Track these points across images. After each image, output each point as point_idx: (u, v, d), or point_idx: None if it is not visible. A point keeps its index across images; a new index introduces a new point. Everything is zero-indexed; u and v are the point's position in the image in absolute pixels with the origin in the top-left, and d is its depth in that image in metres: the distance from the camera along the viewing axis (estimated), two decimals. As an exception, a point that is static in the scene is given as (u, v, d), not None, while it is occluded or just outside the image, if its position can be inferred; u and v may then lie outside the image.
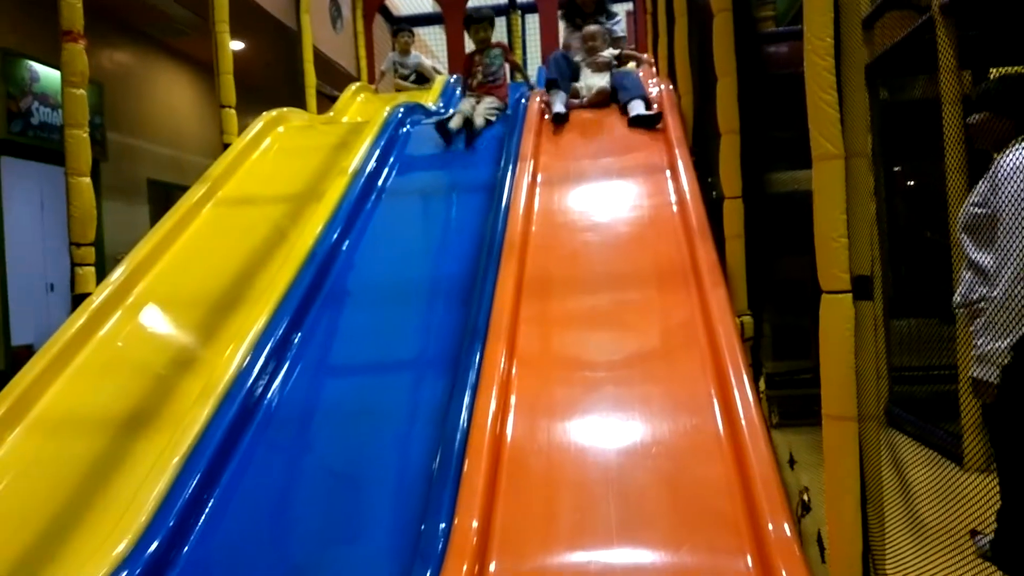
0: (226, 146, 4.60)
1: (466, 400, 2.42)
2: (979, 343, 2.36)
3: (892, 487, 3.71)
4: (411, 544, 1.92)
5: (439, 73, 7.16)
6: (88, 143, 3.31)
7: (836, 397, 1.59)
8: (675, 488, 2.06)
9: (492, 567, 1.82)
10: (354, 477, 2.32)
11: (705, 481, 2.05)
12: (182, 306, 3.34)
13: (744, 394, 2.26)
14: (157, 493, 2.22)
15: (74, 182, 3.24)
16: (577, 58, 4.86)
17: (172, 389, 2.88)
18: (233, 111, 4.74)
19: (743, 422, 2.15)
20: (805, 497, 2.06)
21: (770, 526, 1.77)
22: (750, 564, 1.77)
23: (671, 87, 4.44)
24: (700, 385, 2.42)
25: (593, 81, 4.58)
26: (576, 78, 4.75)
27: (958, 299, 2.57)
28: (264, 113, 4.90)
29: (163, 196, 7.22)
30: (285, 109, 5.12)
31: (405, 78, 6.75)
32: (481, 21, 4.84)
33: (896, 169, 6.31)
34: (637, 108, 4.16)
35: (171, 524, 2.07)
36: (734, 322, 2.64)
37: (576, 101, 4.57)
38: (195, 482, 2.28)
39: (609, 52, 4.75)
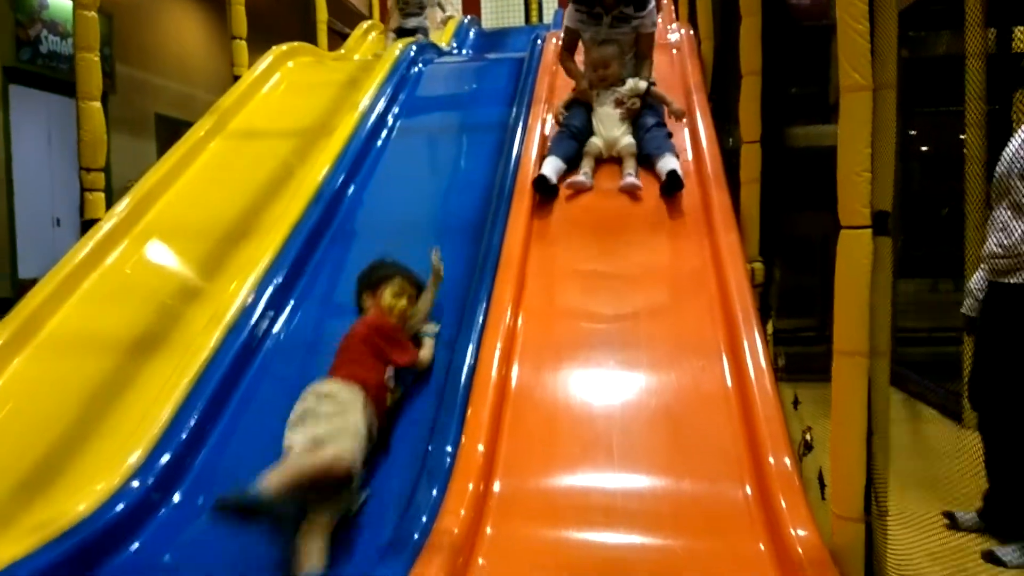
0: (236, 78, 4.55)
1: (474, 335, 2.43)
2: None
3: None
4: (417, 464, 1.94)
5: (445, 11, 6.90)
6: (99, 67, 3.26)
7: (849, 333, 1.59)
8: (678, 423, 2.08)
9: (496, 487, 1.85)
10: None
11: (709, 417, 2.07)
12: (190, 236, 3.32)
13: (751, 336, 2.27)
14: (169, 409, 2.25)
15: (84, 106, 3.20)
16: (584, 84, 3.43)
17: (180, 317, 2.88)
18: (244, 43, 4.67)
19: (749, 362, 2.16)
20: (808, 437, 2.08)
21: (771, 459, 1.80)
22: (749, 493, 1.80)
23: (691, 32, 4.35)
24: (708, 327, 2.42)
25: (615, 133, 3.23)
26: (588, 130, 3.31)
27: (998, 249, 2.49)
28: (274, 47, 4.83)
29: (170, 131, 7.15)
30: (296, 44, 5.03)
31: (408, 15, 6.43)
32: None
33: (911, 133, 6.25)
34: (673, 163, 3.05)
35: (184, 437, 2.09)
36: (745, 267, 2.63)
37: (582, 179, 3.11)
38: (206, 402, 2.31)
39: (631, 85, 3.31)
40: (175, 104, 7.83)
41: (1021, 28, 4.44)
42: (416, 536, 1.66)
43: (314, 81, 4.68)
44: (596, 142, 3.24)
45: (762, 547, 1.69)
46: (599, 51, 3.38)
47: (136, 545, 1.86)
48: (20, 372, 2.65)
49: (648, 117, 3.27)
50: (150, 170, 3.63)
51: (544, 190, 3.05)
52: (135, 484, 1.93)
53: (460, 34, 6.11)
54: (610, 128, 3.25)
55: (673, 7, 5.40)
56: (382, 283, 2.46)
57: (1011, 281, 2.42)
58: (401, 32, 6.01)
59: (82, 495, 1.89)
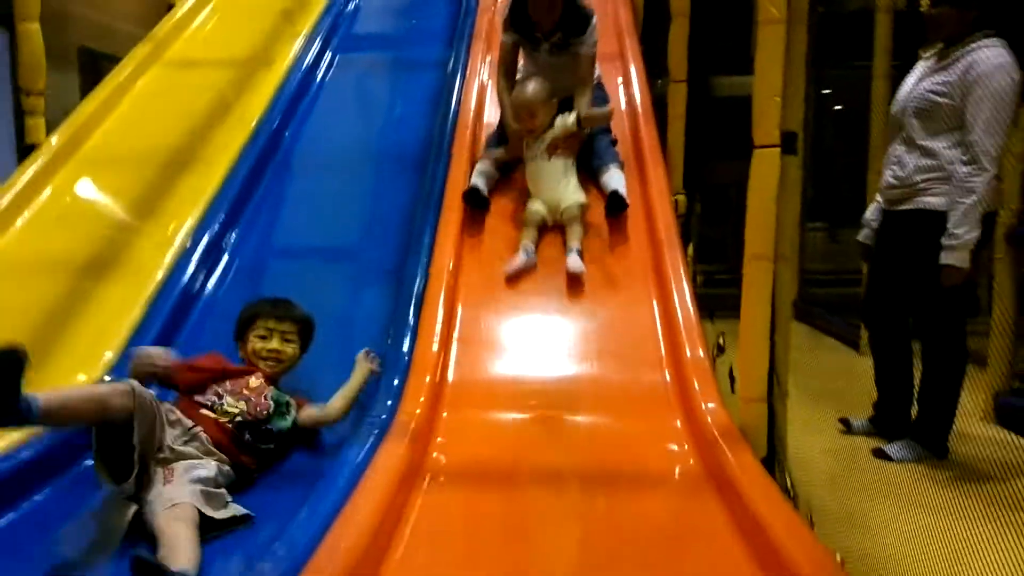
0: (170, 7, 4.49)
1: (422, 259, 2.60)
2: (959, 232, 2.51)
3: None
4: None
5: None
6: (37, -14, 3.23)
7: (758, 239, 1.84)
8: (608, 326, 2.35)
9: (449, 379, 2.07)
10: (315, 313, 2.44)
11: (635, 320, 2.34)
12: (132, 164, 3.32)
13: (674, 255, 2.54)
14: (128, 325, 2.37)
15: (23, 28, 3.21)
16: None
17: (127, 242, 2.91)
18: (177, -30, 4.59)
19: (671, 276, 2.42)
20: (721, 341, 2.35)
21: (687, 352, 2.08)
22: (668, 380, 2.11)
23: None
24: (636, 246, 2.67)
25: (557, 192, 2.74)
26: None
27: (893, 180, 2.76)
28: (208, -25, 4.77)
29: (93, 65, 6.90)
30: (230, -28, 4.97)
31: None
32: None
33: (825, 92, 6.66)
34: (617, 181, 2.80)
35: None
36: (670, 197, 2.87)
37: (523, 259, 2.60)
38: (164, 319, 2.43)
39: (560, 124, 2.78)
40: (98, 36, 7.53)
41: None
42: (384, 417, 1.86)
43: (251, 10, 4.64)
44: (537, 209, 2.72)
45: (679, 423, 1.97)
46: (524, 94, 2.82)
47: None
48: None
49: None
50: (87, 97, 3.63)
51: (476, 203, 2.80)
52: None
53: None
54: (550, 186, 2.74)
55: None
56: (247, 329, 2.14)
57: (903, 208, 2.73)
58: None
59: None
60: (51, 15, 6.59)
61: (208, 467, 1.75)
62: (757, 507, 1.58)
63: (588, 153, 2.93)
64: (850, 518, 2.29)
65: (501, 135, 3.04)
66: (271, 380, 2.05)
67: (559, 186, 2.73)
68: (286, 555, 1.39)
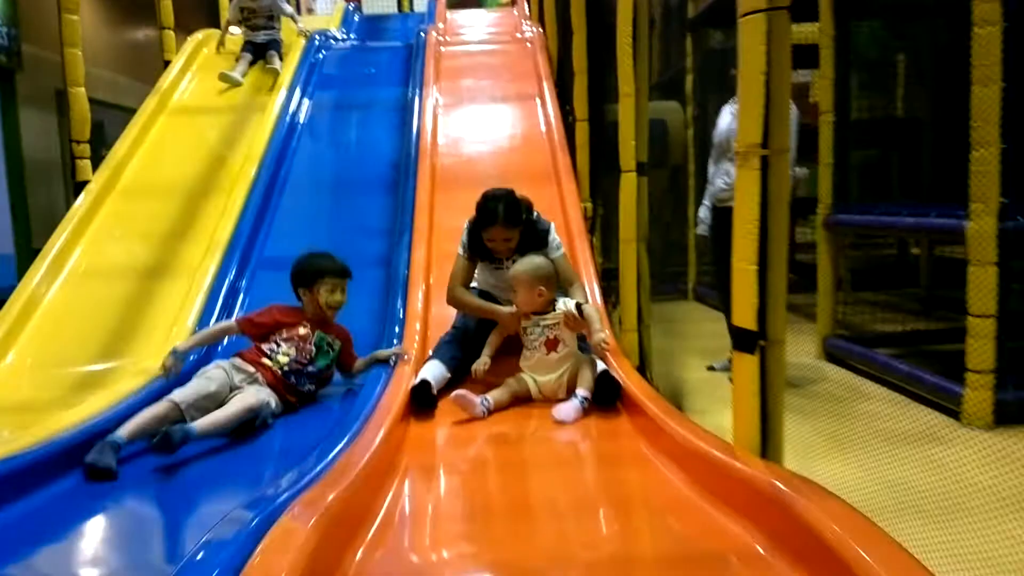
0: (167, 63, 5.40)
1: (404, 251, 3.62)
2: None
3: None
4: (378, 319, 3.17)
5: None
6: (82, 60, 4.13)
7: (626, 228, 2.92)
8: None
9: (431, 326, 3.09)
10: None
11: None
12: (165, 191, 4.26)
13: (583, 246, 3.62)
14: (193, 316, 3.29)
15: (73, 91, 4.08)
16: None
17: (178, 248, 3.86)
18: (172, 32, 5.51)
19: (580, 259, 3.50)
20: (614, 299, 3.41)
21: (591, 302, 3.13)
22: None
23: (541, 29, 5.62)
24: (556, 241, 3.72)
25: (551, 376, 2.65)
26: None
27: (724, 187, 3.91)
28: (191, 37, 5.69)
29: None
30: (208, 31, 5.88)
31: (255, 27, 5.56)
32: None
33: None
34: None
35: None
36: (580, 204, 3.96)
37: (477, 408, 2.51)
38: (217, 308, 3.38)
39: (561, 309, 2.69)
40: (68, 78, 8.26)
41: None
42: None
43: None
44: (525, 379, 2.66)
45: (584, 345, 3.03)
46: (512, 270, 2.77)
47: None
48: (56, 295, 3.57)
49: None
50: (117, 141, 4.53)
51: (423, 402, 2.58)
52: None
53: (347, 20, 7.06)
54: (548, 375, 2.65)
55: (526, 5, 6.64)
56: (316, 281, 2.78)
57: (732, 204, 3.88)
58: (252, 48, 5.50)
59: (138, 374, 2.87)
60: (34, 63, 7.36)
61: (263, 392, 2.52)
62: (630, 388, 2.58)
63: None
64: (703, 412, 3.38)
65: (461, 338, 2.90)
66: (317, 325, 2.75)
67: (555, 372, 2.65)
68: (329, 449, 2.07)
